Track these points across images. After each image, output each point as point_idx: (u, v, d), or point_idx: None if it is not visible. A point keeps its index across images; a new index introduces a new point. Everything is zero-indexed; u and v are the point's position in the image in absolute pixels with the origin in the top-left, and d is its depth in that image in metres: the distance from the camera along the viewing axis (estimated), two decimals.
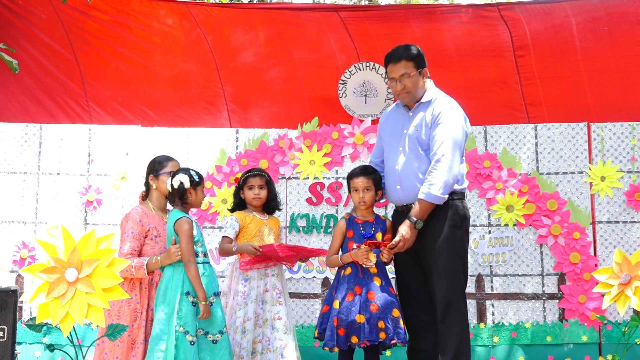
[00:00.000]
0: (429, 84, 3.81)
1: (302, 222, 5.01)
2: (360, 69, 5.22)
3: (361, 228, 3.85)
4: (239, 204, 4.12)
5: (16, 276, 4.89)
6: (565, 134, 4.98)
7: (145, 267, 3.56)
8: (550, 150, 4.97)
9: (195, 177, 3.66)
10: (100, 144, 5.05)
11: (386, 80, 5.11)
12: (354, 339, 3.64)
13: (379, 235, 3.83)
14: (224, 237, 4.02)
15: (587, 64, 5.25)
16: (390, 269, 3.86)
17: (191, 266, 3.52)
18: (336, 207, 5.03)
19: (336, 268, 3.91)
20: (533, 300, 4.85)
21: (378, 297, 3.67)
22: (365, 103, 5.21)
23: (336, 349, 3.69)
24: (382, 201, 4.11)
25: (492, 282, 4.89)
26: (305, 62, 5.43)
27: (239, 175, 4.37)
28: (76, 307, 3.17)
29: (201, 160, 5.02)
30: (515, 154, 4.98)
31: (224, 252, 4.03)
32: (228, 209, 4.40)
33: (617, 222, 4.88)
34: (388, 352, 4.72)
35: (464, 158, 3.78)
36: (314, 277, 4.96)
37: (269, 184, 4.13)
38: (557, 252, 4.84)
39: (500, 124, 5.06)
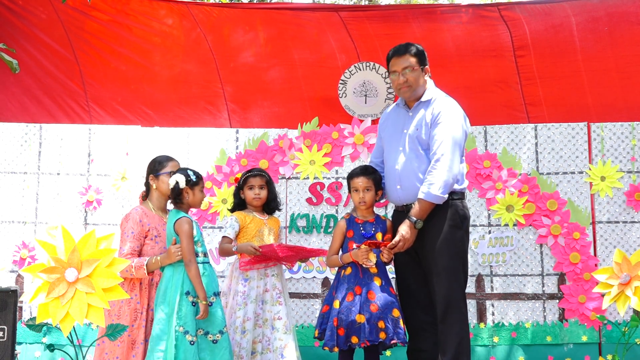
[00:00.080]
0: (430, 83, 3.82)
1: (302, 222, 5.01)
2: (360, 69, 5.22)
3: (361, 228, 3.85)
4: (239, 204, 4.12)
5: (16, 276, 4.89)
6: (565, 134, 4.98)
7: (145, 267, 3.56)
8: (550, 150, 4.97)
9: (192, 177, 3.66)
10: (100, 144, 5.05)
11: (386, 79, 5.15)
12: (354, 339, 3.64)
13: (379, 235, 3.83)
14: (223, 237, 4.02)
15: (587, 64, 5.25)
16: (390, 269, 3.86)
17: (192, 266, 3.52)
18: (336, 207, 5.03)
19: (336, 268, 3.91)
20: (533, 300, 4.86)
21: (378, 297, 3.67)
22: (365, 103, 5.21)
23: (336, 349, 3.69)
24: (382, 201, 4.11)
25: (492, 282, 4.89)
26: (305, 62, 5.43)
27: (239, 175, 4.37)
28: (76, 307, 3.17)
29: (201, 160, 5.02)
30: (515, 154, 4.98)
31: (224, 252, 4.03)
32: (228, 209, 4.40)
33: (617, 222, 4.88)
34: (388, 352, 4.72)
35: (463, 158, 3.78)
36: (314, 277, 4.96)
37: (269, 184, 4.13)
38: (557, 252, 4.84)
39: (500, 124, 5.06)
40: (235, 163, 5.05)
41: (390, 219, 3.96)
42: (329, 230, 4.94)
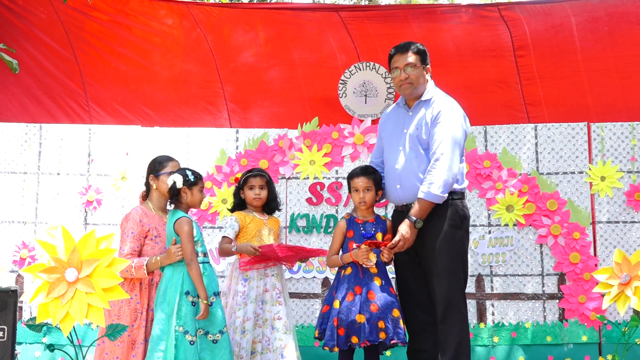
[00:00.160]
0: (430, 83, 3.83)
1: (302, 222, 5.01)
2: (360, 69, 5.22)
3: (361, 228, 3.85)
4: (239, 204, 4.12)
5: (16, 276, 4.89)
6: (565, 134, 4.98)
7: (145, 267, 3.56)
8: (550, 150, 4.97)
9: (191, 177, 3.66)
10: (100, 144, 5.05)
11: (387, 79, 5.15)
12: (354, 339, 3.64)
13: (379, 235, 3.83)
14: (223, 237, 4.02)
15: (587, 64, 5.25)
16: (390, 269, 3.86)
17: (193, 265, 3.52)
18: (336, 207, 5.03)
19: (336, 268, 3.91)
20: (533, 300, 4.85)
21: (378, 297, 3.67)
22: (365, 103, 5.20)
23: (336, 349, 3.69)
24: (382, 201, 4.11)
25: (492, 282, 4.89)
26: (305, 62, 5.43)
27: (239, 175, 4.37)
28: (76, 307, 3.17)
29: (201, 160, 5.02)
30: (515, 154, 4.98)
31: (224, 252, 4.03)
32: (228, 209, 4.40)
33: (617, 222, 4.88)
34: (388, 352, 4.72)
35: (463, 157, 3.79)
36: (314, 277, 4.96)
37: (269, 184, 4.13)
38: (557, 252, 4.84)
39: (500, 124, 5.06)
40: (235, 163, 5.05)
41: (390, 219, 3.96)
42: (329, 230, 4.94)
